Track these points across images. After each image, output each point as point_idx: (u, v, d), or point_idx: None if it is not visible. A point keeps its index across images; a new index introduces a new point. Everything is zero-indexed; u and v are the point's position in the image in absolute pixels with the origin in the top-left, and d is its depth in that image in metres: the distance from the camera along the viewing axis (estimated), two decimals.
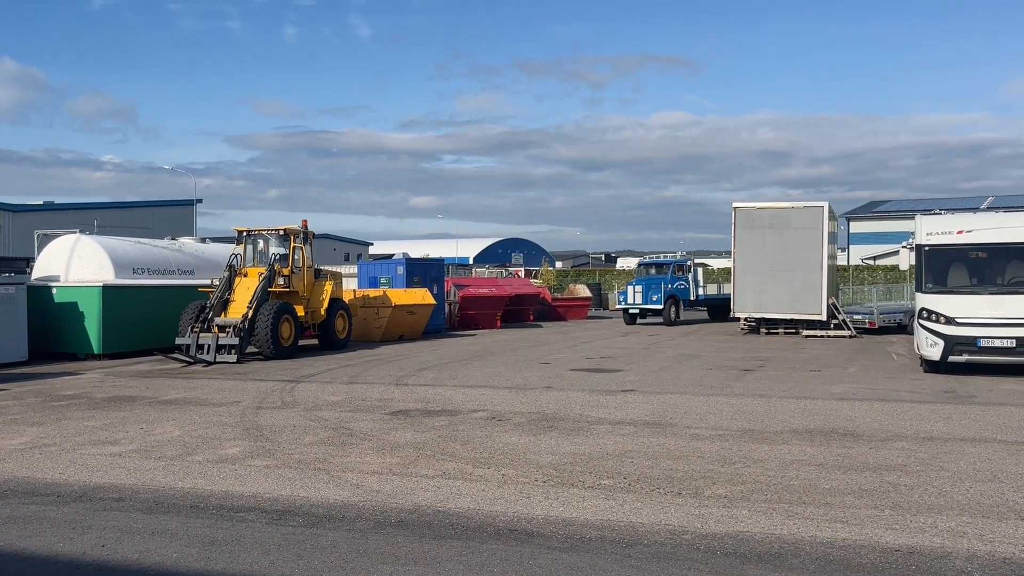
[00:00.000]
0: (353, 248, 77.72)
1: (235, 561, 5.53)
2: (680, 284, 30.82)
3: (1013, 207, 48.32)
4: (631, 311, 30.66)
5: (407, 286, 26.71)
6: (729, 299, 26.20)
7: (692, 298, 31.23)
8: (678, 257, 33.83)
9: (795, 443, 9.04)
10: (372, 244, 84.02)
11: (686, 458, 8.38)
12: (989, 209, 48.33)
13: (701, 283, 32.32)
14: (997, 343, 13.99)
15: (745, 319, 26.04)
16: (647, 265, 32.94)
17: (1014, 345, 13.89)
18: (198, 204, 54.37)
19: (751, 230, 24.94)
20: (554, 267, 70.75)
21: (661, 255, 36.10)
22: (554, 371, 16.07)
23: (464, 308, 29.80)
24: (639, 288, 30.38)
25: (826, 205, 24.58)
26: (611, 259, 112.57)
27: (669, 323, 29.79)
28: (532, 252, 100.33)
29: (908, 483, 7.30)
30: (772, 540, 5.84)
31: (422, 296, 25.63)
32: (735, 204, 25.40)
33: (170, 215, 51.77)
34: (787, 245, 24.43)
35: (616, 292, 38.13)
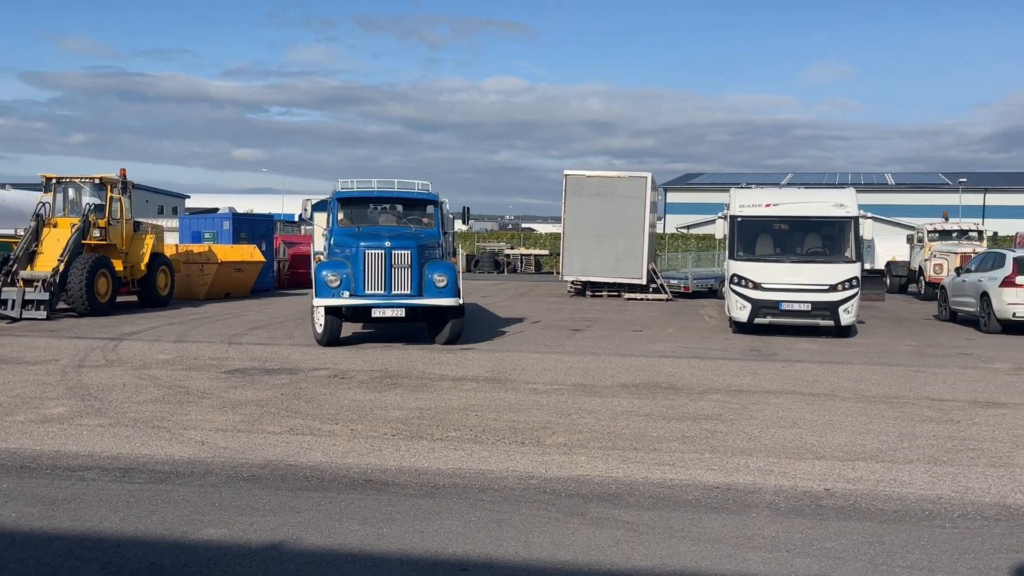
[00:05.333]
0: (168, 200, 73.15)
1: (81, 518, 5.36)
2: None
3: (811, 183, 53.05)
4: None
5: (234, 242, 25.71)
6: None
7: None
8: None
9: (624, 396, 9.75)
10: (189, 197, 79.44)
11: (527, 410, 8.85)
12: (789, 185, 52.74)
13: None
14: (796, 306, 15.56)
15: (572, 282, 27.17)
16: None
17: (809, 308, 15.51)
18: None
19: (580, 197, 25.93)
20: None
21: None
22: (391, 329, 16.16)
23: (294, 266, 29.09)
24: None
25: (649, 176, 25.96)
26: None
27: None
28: None
29: (723, 430, 8.12)
30: (609, 482, 6.38)
31: (250, 253, 24.79)
32: (566, 172, 26.29)
33: None
34: (613, 213, 25.62)
35: None
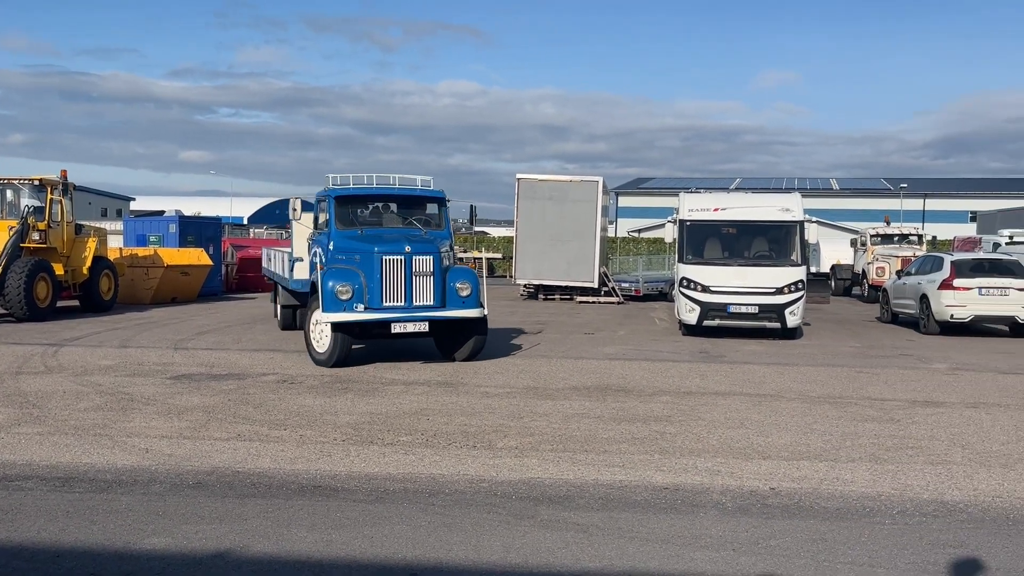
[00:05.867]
0: (112, 203, 71.45)
1: (19, 529, 5.20)
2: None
3: (759, 188, 54.03)
4: None
5: (180, 245, 25.21)
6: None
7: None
8: None
9: (575, 398, 9.81)
10: (134, 199, 77.72)
11: (478, 414, 8.85)
12: (738, 190, 53.64)
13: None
14: (743, 309, 15.83)
15: (525, 285, 27.24)
16: None
17: (757, 311, 15.79)
18: None
19: (533, 201, 26.01)
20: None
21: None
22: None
23: (243, 270, 28.63)
24: None
25: (601, 180, 26.17)
26: None
27: None
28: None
29: (672, 431, 8.22)
30: (560, 484, 6.41)
31: (197, 256, 24.34)
32: (519, 175, 26.36)
33: None
34: (565, 216, 25.76)
35: None
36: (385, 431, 8.02)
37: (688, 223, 16.79)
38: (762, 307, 15.74)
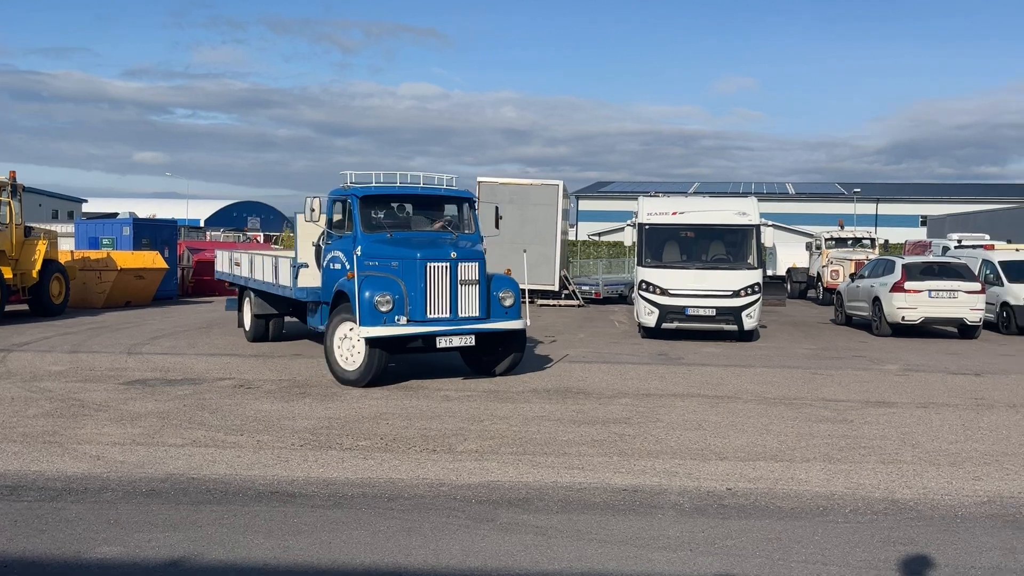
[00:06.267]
0: (63, 205, 69.90)
1: None
2: None
3: (716, 193, 54.76)
4: None
5: (135, 248, 24.76)
6: None
7: None
8: None
9: (535, 401, 9.83)
10: (87, 201, 76.19)
11: (438, 418, 8.82)
12: (696, 194, 54.29)
13: None
14: (701, 311, 16.01)
15: None
16: None
17: (714, 314, 15.98)
18: None
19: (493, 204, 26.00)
20: (295, 233, 68.69)
21: None
22: (301, 338, 15.86)
23: (199, 273, 28.19)
24: None
25: (561, 184, 26.29)
26: None
27: None
28: (271, 216, 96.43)
29: (631, 433, 8.28)
30: (520, 487, 6.42)
31: (152, 259, 23.90)
32: (480, 179, 26.34)
33: None
34: (526, 220, 25.81)
35: None
36: (344, 436, 7.96)
37: (647, 227, 16.94)
38: (719, 310, 15.93)
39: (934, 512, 5.99)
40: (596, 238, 52.60)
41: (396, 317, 10.40)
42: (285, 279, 12.99)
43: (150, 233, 26.17)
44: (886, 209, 66.38)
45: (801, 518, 5.81)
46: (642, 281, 16.45)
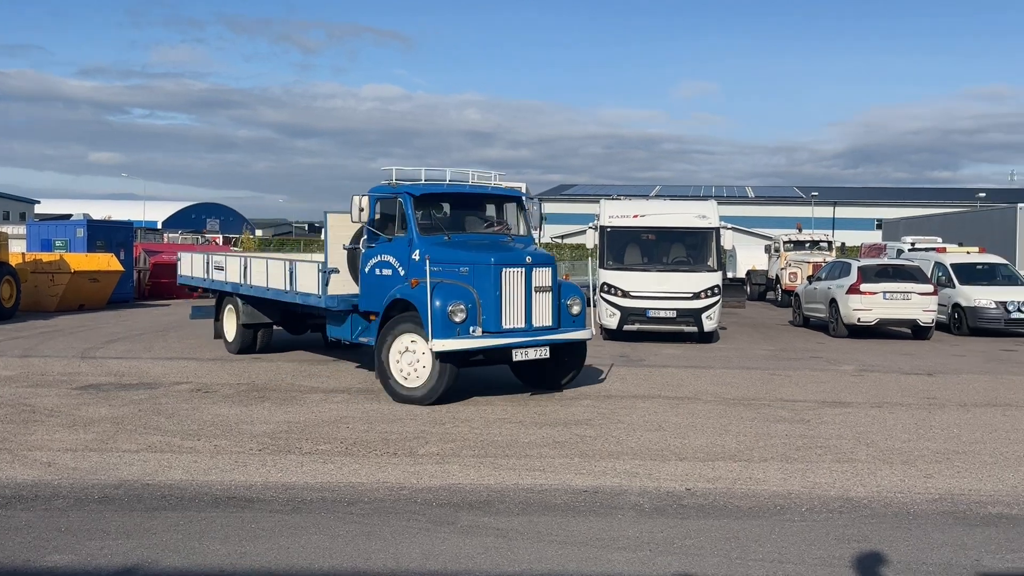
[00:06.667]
0: (15, 206, 68.34)
1: None
2: None
3: (677, 196, 55.24)
4: None
5: (89, 250, 24.25)
6: None
7: None
8: None
9: (497, 404, 9.83)
10: (39, 202, 74.53)
11: (400, 421, 8.77)
12: (657, 197, 54.69)
13: None
14: (662, 313, 16.15)
15: None
16: None
17: (675, 315, 16.13)
18: None
19: None
20: (255, 235, 67.91)
21: None
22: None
23: (156, 276, 27.70)
24: None
25: (524, 186, 26.30)
26: (315, 228, 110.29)
27: None
28: (230, 218, 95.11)
29: (592, 434, 8.32)
30: (481, 489, 6.41)
31: (107, 262, 23.44)
32: None
33: None
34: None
35: None
36: (303, 440, 7.88)
37: (608, 229, 17.04)
38: (680, 312, 16.08)
39: (887, 510, 6.10)
40: (559, 240, 52.78)
41: (471, 328, 9.56)
42: (307, 285, 11.56)
43: (105, 235, 25.66)
44: (843, 212, 67.65)
45: (759, 517, 5.88)
46: (603, 283, 16.53)
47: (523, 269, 9.91)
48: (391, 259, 10.45)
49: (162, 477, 6.55)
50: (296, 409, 9.31)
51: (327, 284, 11.12)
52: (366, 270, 10.79)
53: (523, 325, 9.91)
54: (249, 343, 13.59)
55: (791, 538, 5.45)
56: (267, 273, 12.59)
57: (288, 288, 12.02)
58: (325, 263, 11.30)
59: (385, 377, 9.87)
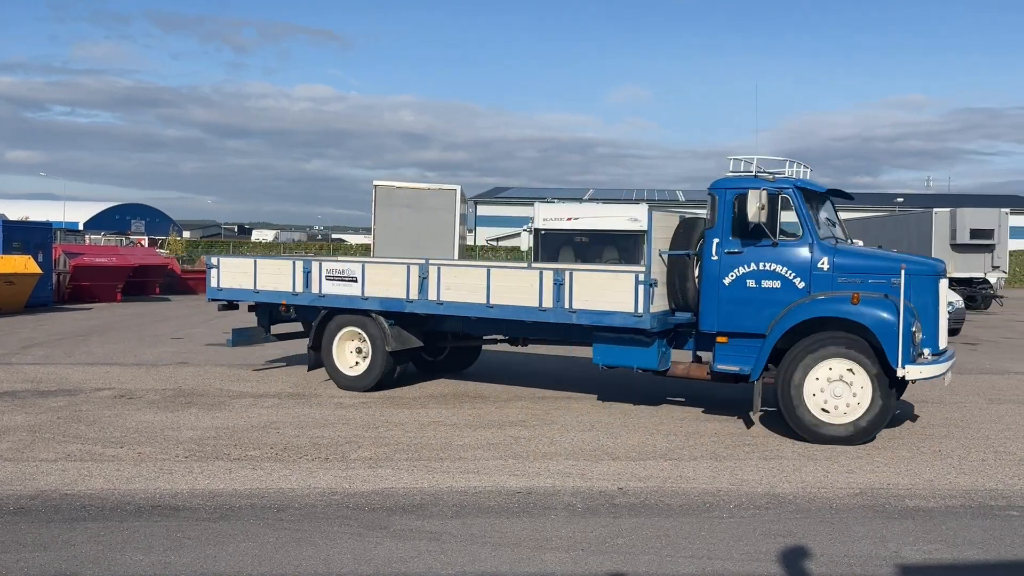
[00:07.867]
0: None
1: None
2: None
3: (610, 199, 55.89)
4: None
5: (4, 252, 23.26)
6: None
7: None
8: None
9: (431, 406, 9.78)
10: None
11: (332, 425, 8.65)
12: (591, 200, 55.27)
13: None
14: None
15: None
16: None
17: None
18: None
19: (390, 208, 25.69)
20: (182, 237, 66.22)
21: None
22: (188, 346, 15.30)
23: (77, 279, 26.71)
24: None
25: (458, 188, 26.22)
26: (245, 230, 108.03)
27: None
28: (156, 220, 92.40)
29: (526, 436, 8.34)
30: (414, 493, 6.36)
31: (24, 264, 22.50)
32: (375, 182, 25.97)
33: None
34: (423, 224, 25.65)
35: None
36: (232, 446, 7.70)
37: (543, 232, 17.15)
38: None
39: (811, 504, 6.28)
40: (494, 243, 52.79)
41: (925, 351, 8.45)
42: (610, 301, 9.19)
43: (22, 236, 24.64)
44: None
45: (689, 515, 5.98)
46: None
47: (944, 280, 8.77)
48: (779, 268, 8.87)
49: (82, 486, 6.32)
50: (224, 414, 9.10)
51: (651, 299, 9.06)
52: (726, 282, 9.03)
53: (941, 345, 8.75)
54: (389, 374, 10.77)
55: (720, 534, 5.56)
56: (487, 286, 9.84)
57: (551, 304, 9.45)
58: (647, 274, 9.14)
59: (799, 412, 8.41)
